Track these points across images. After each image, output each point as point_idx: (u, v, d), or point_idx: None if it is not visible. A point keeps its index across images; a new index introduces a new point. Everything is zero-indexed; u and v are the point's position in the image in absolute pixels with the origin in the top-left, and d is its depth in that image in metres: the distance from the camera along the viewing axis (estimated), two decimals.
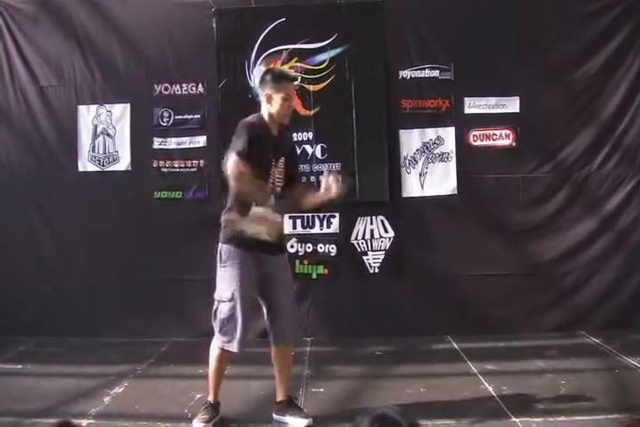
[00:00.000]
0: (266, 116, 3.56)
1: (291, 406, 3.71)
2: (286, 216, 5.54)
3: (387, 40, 5.54)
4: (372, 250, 5.55)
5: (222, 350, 3.60)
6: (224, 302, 3.53)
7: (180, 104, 5.64)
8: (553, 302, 5.46)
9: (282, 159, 3.58)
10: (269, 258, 3.56)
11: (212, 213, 5.56)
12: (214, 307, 3.63)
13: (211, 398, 3.68)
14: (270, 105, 3.52)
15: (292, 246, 5.57)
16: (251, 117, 3.58)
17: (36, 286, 5.65)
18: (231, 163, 3.29)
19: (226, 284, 3.54)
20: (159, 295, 5.54)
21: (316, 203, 3.70)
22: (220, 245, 3.59)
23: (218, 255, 3.59)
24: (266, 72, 3.75)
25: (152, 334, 5.48)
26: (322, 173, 5.41)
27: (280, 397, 3.73)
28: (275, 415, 3.70)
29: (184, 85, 5.64)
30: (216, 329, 3.61)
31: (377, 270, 5.50)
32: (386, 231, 5.54)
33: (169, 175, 5.67)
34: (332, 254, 5.55)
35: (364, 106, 5.48)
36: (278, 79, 3.53)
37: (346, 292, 5.52)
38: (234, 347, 3.54)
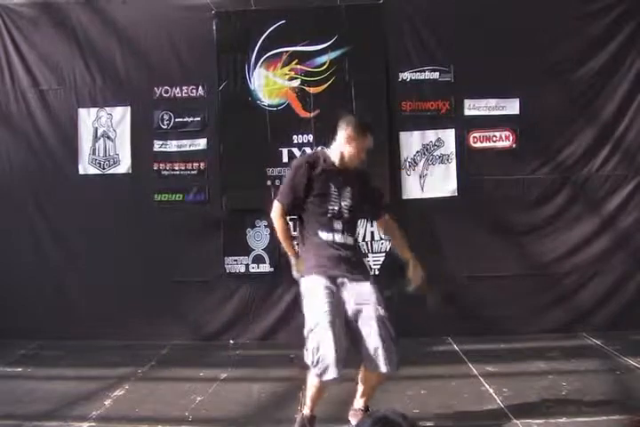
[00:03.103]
0: (337, 152, 3.63)
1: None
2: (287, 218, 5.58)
3: (387, 42, 5.55)
4: (373, 252, 5.54)
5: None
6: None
7: (180, 107, 5.65)
8: (554, 304, 5.46)
9: (348, 189, 3.60)
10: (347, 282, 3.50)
11: (213, 216, 5.63)
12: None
13: (307, 411, 3.53)
14: (348, 146, 3.59)
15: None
16: (308, 154, 3.75)
17: (37, 290, 5.65)
18: (273, 208, 3.63)
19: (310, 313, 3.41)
20: (160, 298, 5.55)
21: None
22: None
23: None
24: (351, 116, 3.78)
25: (153, 336, 5.48)
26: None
27: (358, 404, 3.63)
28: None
29: (184, 88, 5.65)
30: (308, 361, 3.34)
31: (377, 272, 5.49)
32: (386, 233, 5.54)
33: (169, 178, 5.68)
34: None
35: (364, 108, 5.48)
36: (363, 131, 3.61)
37: None
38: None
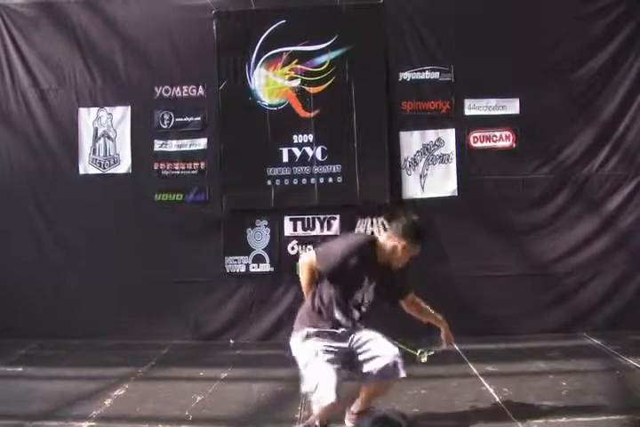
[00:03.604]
0: (384, 249, 3.48)
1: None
2: (287, 218, 5.59)
3: (387, 42, 5.56)
4: None
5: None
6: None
7: (180, 106, 5.66)
8: (554, 304, 5.46)
9: (374, 284, 3.48)
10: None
11: (213, 216, 5.63)
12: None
13: (317, 423, 3.47)
14: (397, 249, 3.45)
15: (292, 248, 5.58)
16: (368, 239, 3.57)
17: (37, 290, 5.65)
18: (307, 255, 3.56)
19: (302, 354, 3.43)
20: (160, 298, 5.55)
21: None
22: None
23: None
24: (412, 224, 3.52)
25: (153, 336, 5.49)
26: (322, 175, 5.51)
27: (356, 408, 3.59)
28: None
29: (184, 88, 5.65)
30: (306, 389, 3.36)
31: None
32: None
33: (170, 178, 5.68)
34: None
35: (364, 108, 5.49)
36: (417, 239, 3.46)
37: None
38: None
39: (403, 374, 3.32)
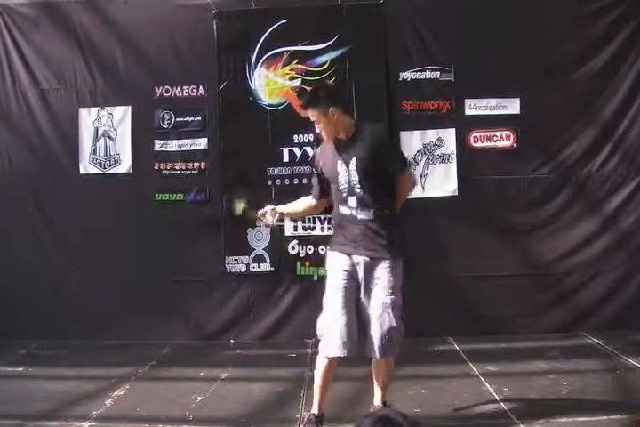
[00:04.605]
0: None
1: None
2: (287, 218, 5.57)
3: (387, 42, 5.55)
4: None
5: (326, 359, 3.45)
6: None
7: (180, 106, 5.65)
8: (554, 303, 5.46)
9: (353, 161, 3.46)
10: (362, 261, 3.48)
11: (213, 215, 5.63)
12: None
13: (315, 410, 3.52)
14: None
15: (293, 248, 5.58)
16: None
17: (37, 290, 5.65)
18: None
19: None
20: (161, 297, 5.55)
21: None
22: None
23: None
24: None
25: (153, 336, 5.49)
26: None
27: (376, 401, 3.64)
28: None
29: (185, 88, 5.65)
30: (318, 333, 3.51)
31: None
32: None
33: (170, 177, 5.68)
34: None
35: (364, 107, 5.48)
36: (300, 104, 3.66)
37: None
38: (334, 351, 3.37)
39: (377, 354, 3.39)
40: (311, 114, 3.52)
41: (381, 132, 3.68)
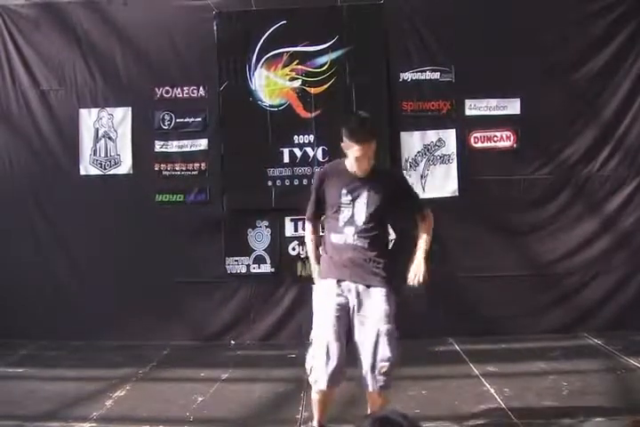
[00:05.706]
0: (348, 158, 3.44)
1: None
2: (288, 218, 5.58)
3: (387, 42, 5.56)
4: None
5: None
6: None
7: (181, 107, 5.66)
8: (555, 304, 5.46)
9: (364, 195, 3.39)
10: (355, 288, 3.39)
11: (214, 216, 5.63)
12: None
13: (315, 423, 3.51)
14: (348, 153, 3.38)
15: (293, 249, 5.58)
16: (330, 163, 3.69)
17: (37, 289, 5.65)
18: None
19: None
20: (161, 298, 5.55)
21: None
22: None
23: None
24: (349, 119, 3.50)
25: (154, 337, 5.49)
26: None
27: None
28: None
29: (185, 88, 5.65)
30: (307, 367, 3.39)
31: None
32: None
33: (170, 178, 5.68)
34: None
35: (364, 108, 5.44)
36: (350, 132, 3.34)
37: None
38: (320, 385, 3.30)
39: (370, 388, 3.29)
40: (366, 145, 3.30)
41: (400, 175, 3.79)
